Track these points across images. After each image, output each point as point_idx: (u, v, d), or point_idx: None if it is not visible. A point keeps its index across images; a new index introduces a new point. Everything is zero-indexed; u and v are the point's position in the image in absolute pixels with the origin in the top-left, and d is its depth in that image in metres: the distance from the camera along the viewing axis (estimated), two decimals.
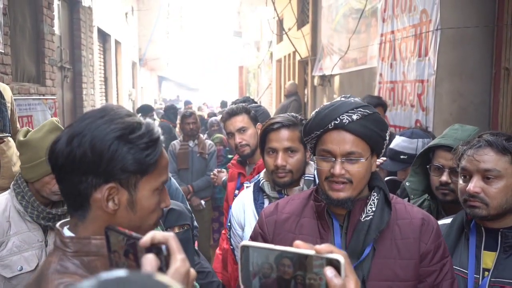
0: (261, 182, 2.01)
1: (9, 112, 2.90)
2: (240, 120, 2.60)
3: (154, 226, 1.07)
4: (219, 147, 5.26)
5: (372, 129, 1.35)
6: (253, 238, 1.56)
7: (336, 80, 6.79)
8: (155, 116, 8.09)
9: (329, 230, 1.41)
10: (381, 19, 4.51)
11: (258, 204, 1.99)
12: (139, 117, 1.02)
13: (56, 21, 6.12)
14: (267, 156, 1.94)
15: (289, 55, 10.53)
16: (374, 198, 1.39)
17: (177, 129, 8.32)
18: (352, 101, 1.43)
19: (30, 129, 2.02)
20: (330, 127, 1.34)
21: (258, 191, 2.01)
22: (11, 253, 1.88)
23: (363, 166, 1.34)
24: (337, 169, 1.33)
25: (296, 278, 0.73)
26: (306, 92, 9.16)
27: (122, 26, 11.58)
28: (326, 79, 7.23)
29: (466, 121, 3.47)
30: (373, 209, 1.37)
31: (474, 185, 1.50)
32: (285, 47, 10.65)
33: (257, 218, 1.97)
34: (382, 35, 4.47)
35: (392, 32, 4.20)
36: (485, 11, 3.33)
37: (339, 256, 0.72)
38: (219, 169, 4.06)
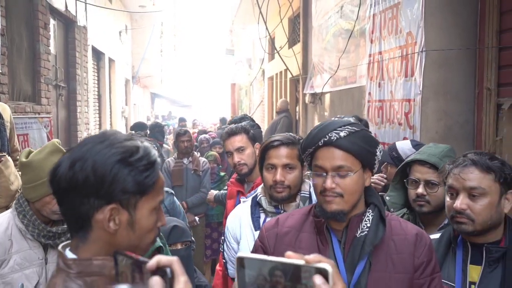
0: (259, 197, 2.09)
1: (8, 131, 2.97)
2: (239, 140, 2.69)
3: (152, 244, 1.10)
4: (213, 165, 5.34)
5: (360, 145, 1.42)
6: (253, 252, 1.60)
7: (327, 98, 6.93)
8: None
9: (327, 245, 1.46)
10: (369, 40, 4.67)
11: (255, 218, 2.06)
12: (137, 141, 1.06)
13: (51, 41, 6.22)
14: (266, 172, 2.04)
15: (280, 72, 10.69)
16: (369, 214, 1.45)
17: (166, 146, 8.35)
18: (341, 119, 1.53)
19: (32, 150, 2.09)
20: (320, 144, 1.43)
21: (255, 205, 2.10)
22: (13, 271, 1.93)
23: (352, 180, 1.42)
24: (328, 183, 1.41)
25: None
26: (297, 109, 9.30)
27: (116, 44, 11.71)
28: (317, 97, 7.38)
29: (451, 139, 3.59)
30: (368, 225, 1.43)
31: (461, 202, 1.59)
32: (276, 65, 10.83)
33: (254, 231, 2.04)
34: (370, 55, 4.62)
35: (380, 53, 4.35)
36: (468, 34, 3.48)
37: (327, 265, 0.78)
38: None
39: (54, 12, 6.46)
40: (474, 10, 3.48)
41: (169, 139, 12.60)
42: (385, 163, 2.67)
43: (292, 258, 0.80)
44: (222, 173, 5.52)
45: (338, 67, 5.85)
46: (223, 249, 2.21)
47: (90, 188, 0.98)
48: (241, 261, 0.81)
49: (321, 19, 7.15)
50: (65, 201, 1.02)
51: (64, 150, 2.11)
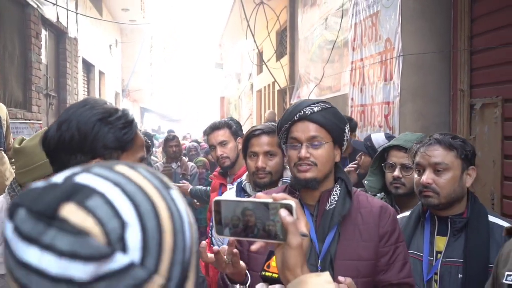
0: (244, 183, 2.23)
1: (4, 129, 3.07)
2: (222, 134, 2.81)
3: None
4: (202, 170, 5.45)
5: (332, 120, 1.55)
6: None
7: None
8: None
9: None
10: (351, 48, 4.87)
11: None
12: (115, 105, 1.19)
13: (43, 51, 6.34)
14: (249, 159, 2.17)
15: (268, 85, 10.90)
16: (337, 189, 1.58)
17: (154, 158, 8.43)
18: (314, 99, 1.68)
19: (25, 137, 2.19)
20: (296, 119, 1.55)
21: (240, 191, 2.23)
22: None
23: (325, 150, 1.54)
24: (303, 152, 1.52)
25: (257, 226, 0.90)
26: None
27: (106, 57, 11.86)
28: None
29: None
30: (336, 199, 1.56)
31: (427, 177, 1.74)
32: (264, 78, 11.05)
33: None
34: (352, 62, 4.82)
35: (361, 59, 4.54)
36: (442, 39, 3.69)
37: (291, 201, 0.89)
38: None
39: (46, 22, 6.59)
40: (447, 17, 3.70)
41: (158, 152, 12.65)
42: (360, 153, 2.84)
43: (262, 197, 0.92)
44: None
45: (323, 75, 6.04)
46: (211, 233, 2.32)
47: (76, 146, 1.10)
48: (218, 205, 0.92)
49: (307, 31, 7.39)
50: (56, 159, 1.13)
51: None
